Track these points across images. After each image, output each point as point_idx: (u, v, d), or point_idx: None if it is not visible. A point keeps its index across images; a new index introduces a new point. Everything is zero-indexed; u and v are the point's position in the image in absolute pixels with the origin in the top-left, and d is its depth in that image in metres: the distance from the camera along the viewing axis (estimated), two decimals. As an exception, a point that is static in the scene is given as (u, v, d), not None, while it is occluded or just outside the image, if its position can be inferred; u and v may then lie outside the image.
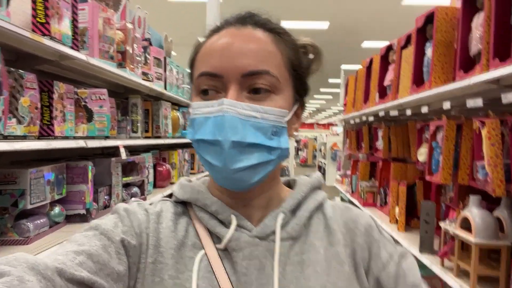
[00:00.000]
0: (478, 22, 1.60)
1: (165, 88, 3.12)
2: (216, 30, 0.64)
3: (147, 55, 2.76)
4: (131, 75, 2.37)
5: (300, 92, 0.67)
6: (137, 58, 2.51)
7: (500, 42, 1.43)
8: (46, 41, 1.53)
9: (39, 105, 1.59)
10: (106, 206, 2.20)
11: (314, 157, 16.24)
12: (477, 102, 1.56)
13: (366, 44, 8.93)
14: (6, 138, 1.39)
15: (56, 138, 1.70)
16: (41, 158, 2.04)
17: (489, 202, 1.70)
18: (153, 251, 0.61)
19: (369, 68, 3.25)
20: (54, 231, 1.78)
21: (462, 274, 1.68)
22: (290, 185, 0.74)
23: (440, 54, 1.90)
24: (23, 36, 1.41)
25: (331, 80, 12.69)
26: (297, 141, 19.21)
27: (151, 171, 2.95)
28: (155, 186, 3.06)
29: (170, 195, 0.72)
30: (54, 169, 1.80)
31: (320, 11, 7.03)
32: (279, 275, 0.59)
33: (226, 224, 0.63)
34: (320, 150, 14.25)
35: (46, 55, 1.73)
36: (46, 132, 1.67)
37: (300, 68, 0.66)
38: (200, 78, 0.61)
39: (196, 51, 0.65)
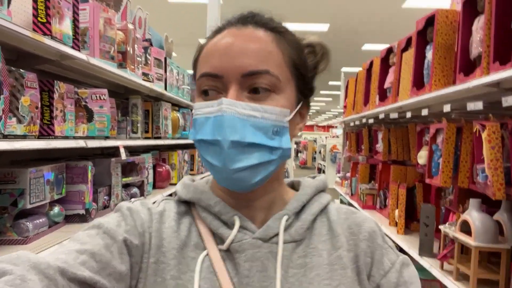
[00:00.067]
0: (479, 25, 1.61)
1: (165, 89, 3.12)
2: (218, 30, 0.64)
3: (148, 56, 2.76)
4: (132, 76, 2.37)
5: (304, 92, 0.66)
6: (138, 58, 2.51)
7: (500, 45, 1.43)
8: (47, 40, 1.53)
9: (39, 105, 1.59)
10: (106, 207, 2.20)
11: (314, 159, 16.24)
12: (478, 105, 1.56)
13: (367, 46, 8.94)
14: (6, 137, 1.39)
15: (56, 137, 1.70)
16: (41, 158, 2.04)
17: (489, 206, 1.70)
18: (156, 251, 0.61)
19: (369, 71, 3.25)
20: (53, 231, 1.78)
21: (461, 277, 1.67)
22: (294, 186, 0.73)
23: (440, 57, 1.90)
24: (24, 35, 1.41)
25: (331, 83, 12.71)
26: (297, 143, 19.21)
27: (151, 171, 2.95)
28: (154, 186, 3.06)
29: (170, 195, 0.72)
30: (54, 169, 1.79)
31: (321, 13, 7.03)
32: (281, 278, 0.59)
33: (229, 225, 0.63)
34: (320, 152, 14.26)
35: (47, 54, 1.73)
36: (46, 132, 1.67)
37: (303, 68, 0.65)
38: (201, 78, 0.61)
39: (199, 52, 0.65)
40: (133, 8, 2.72)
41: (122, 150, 2.24)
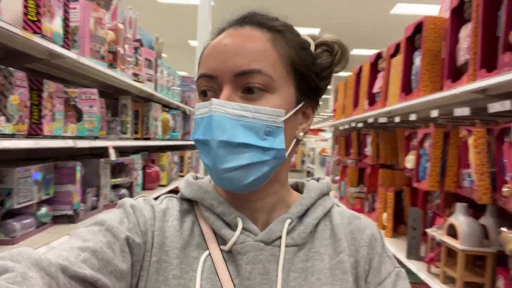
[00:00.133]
0: (466, 33, 1.64)
1: (156, 90, 3.11)
2: (219, 32, 0.65)
3: (138, 56, 2.75)
4: (122, 76, 2.35)
5: (307, 92, 0.65)
6: (128, 58, 2.49)
7: (487, 53, 1.47)
8: (36, 38, 1.51)
9: (28, 104, 1.57)
10: (94, 207, 2.18)
11: (303, 162, 16.28)
12: (464, 111, 1.59)
13: (355, 51, 9.04)
14: (-6, 136, 1.37)
15: (45, 137, 1.68)
16: (29, 157, 2.01)
17: (475, 210, 1.73)
18: (158, 250, 0.61)
19: (358, 75, 3.29)
20: (41, 231, 1.76)
21: (448, 280, 1.70)
22: (298, 188, 0.73)
23: (428, 63, 1.93)
24: (13, 33, 1.39)
25: (320, 86, 12.77)
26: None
27: (140, 172, 2.93)
28: (144, 188, 3.04)
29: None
30: (42, 168, 1.77)
31: (311, 18, 7.09)
32: (282, 281, 0.59)
33: (231, 226, 0.63)
34: (309, 155, 14.30)
35: (36, 53, 1.71)
36: (35, 131, 1.65)
37: (304, 67, 0.64)
38: (200, 79, 0.62)
39: (201, 54, 0.65)
40: (123, 8, 2.70)
41: (111, 151, 2.22)
